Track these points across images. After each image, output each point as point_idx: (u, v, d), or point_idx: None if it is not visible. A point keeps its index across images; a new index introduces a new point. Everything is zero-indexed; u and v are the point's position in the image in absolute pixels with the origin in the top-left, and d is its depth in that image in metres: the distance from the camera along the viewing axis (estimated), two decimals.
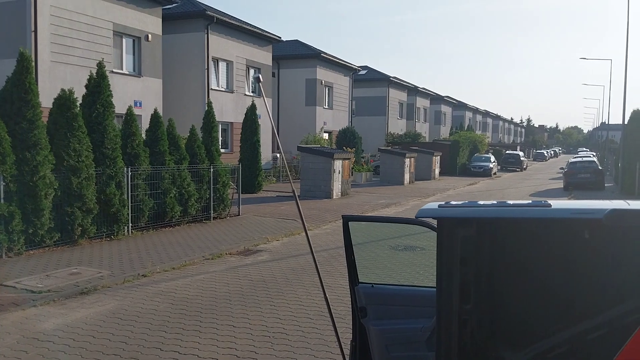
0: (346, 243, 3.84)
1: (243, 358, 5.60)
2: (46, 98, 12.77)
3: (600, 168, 28.12)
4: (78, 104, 11.08)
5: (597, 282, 1.59)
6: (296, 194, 2.01)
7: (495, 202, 1.64)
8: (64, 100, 10.79)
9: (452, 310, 1.67)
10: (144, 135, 13.26)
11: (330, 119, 35.16)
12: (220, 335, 6.24)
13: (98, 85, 11.58)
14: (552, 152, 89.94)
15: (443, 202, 1.54)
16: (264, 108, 27.13)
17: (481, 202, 1.64)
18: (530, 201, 1.75)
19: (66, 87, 11.05)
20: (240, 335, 6.25)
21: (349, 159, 22.19)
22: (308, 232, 12.57)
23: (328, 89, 35.07)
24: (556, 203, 1.53)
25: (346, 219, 3.85)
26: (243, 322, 6.70)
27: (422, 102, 55.26)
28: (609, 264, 1.55)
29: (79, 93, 11.40)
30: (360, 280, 3.88)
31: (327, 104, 35.07)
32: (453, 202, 1.47)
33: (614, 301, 1.57)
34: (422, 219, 1.94)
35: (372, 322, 3.78)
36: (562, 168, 31.23)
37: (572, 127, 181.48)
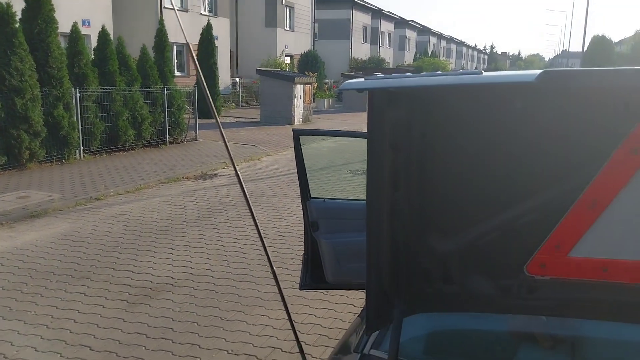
0: (297, 158, 3.76)
1: (198, 276, 5.61)
2: None
3: None
4: (17, 19, 10.30)
5: (531, 162, 1.54)
6: (221, 126, 1.87)
7: (424, 73, 1.55)
8: (0, 14, 9.98)
9: (382, 199, 1.61)
10: (92, 55, 12.57)
11: (292, 41, 34.12)
12: (175, 255, 6.21)
13: None
14: None
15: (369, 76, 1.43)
16: (222, 29, 26.00)
17: (409, 73, 1.55)
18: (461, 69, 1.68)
19: (2, 0, 10.20)
20: (196, 255, 6.23)
21: (310, 83, 21.75)
22: (268, 157, 12.29)
23: (289, 10, 33.76)
24: (490, 72, 1.44)
25: (297, 133, 3.76)
26: (199, 243, 6.68)
27: (386, 26, 54.13)
28: (543, 140, 1.49)
29: (18, 8, 10.55)
30: (312, 196, 3.85)
31: (288, 26, 33.89)
32: (379, 75, 1.37)
33: (547, 182, 1.53)
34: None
35: (323, 236, 3.78)
36: None
37: (534, 54, 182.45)
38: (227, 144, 2.16)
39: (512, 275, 1.67)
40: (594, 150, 1.42)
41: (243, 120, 20.64)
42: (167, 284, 5.40)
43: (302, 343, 4.25)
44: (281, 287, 5.42)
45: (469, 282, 1.73)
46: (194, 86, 15.96)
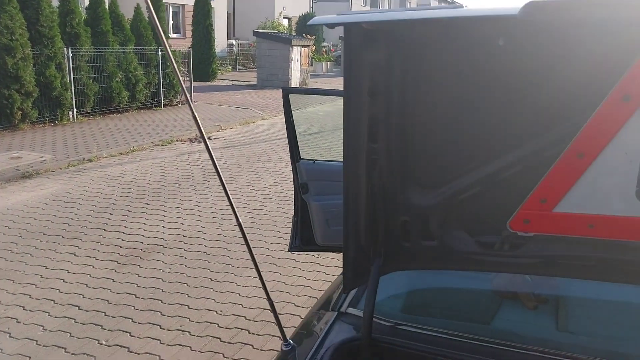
0: (287, 117, 3.67)
1: (190, 237, 5.59)
2: None
3: None
4: None
5: (517, 109, 1.44)
6: (187, 93, 1.76)
7: (401, 7, 1.47)
8: None
9: (360, 151, 1.54)
10: (84, 15, 12.28)
11: (290, 3, 33.36)
12: (167, 217, 6.18)
13: None
14: None
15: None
16: None
17: (385, 8, 1.46)
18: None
19: None
20: (188, 217, 6.20)
21: (308, 46, 21.38)
22: (264, 120, 12.10)
23: None
24: (473, 7, 1.34)
25: (286, 92, 3.66)
26: (192, 205, 6.64)
27: None
28: (529, 85, 1.39)
29: None
30: (302, 157, 3.78)
31: None
32: (353, 10, 1.28)
33: (533, 132, 1.44)
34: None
35: (313, 198, 3.74)
36: None
37: None
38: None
39: (494, 231, 1.61)
40: (583, 96, 1.33)
41: (239, 83, 20.38)
42: (157, 245, 5.38)
43: (291, 304, 4.28)
44: (269, 249, 5.40)
45: (450, 239, 1.68)
46: (189, 48, 15.67)
